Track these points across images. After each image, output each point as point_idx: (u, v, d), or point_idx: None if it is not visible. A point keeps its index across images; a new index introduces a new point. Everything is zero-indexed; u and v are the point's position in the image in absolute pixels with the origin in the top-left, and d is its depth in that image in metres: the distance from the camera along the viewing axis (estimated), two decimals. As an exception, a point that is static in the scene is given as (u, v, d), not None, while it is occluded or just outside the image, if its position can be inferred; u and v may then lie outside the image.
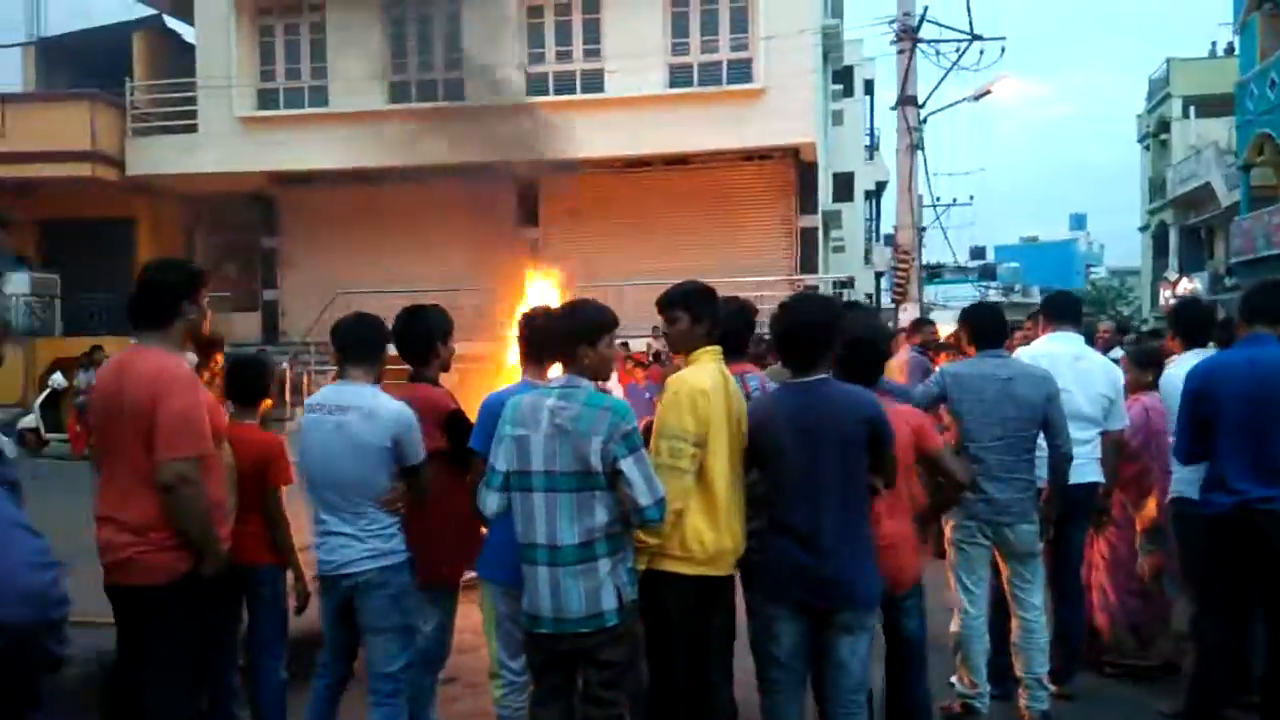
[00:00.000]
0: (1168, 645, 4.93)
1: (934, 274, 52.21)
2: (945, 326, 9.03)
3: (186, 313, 3.28)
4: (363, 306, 15.11)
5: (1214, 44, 30.45)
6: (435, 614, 3.64)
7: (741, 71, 16.80)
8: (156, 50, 19.00)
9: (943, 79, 14.50)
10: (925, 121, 15.65)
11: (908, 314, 14.87)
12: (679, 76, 17.04)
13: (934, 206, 30.17)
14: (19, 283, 17.18)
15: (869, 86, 31.72)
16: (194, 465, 3.03)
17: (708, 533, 3.21)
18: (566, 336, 3.11)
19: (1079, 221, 74.07)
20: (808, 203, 17.87)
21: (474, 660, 4.61)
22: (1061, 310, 4.81)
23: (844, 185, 30.64)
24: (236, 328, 19.23)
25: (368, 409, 3.34)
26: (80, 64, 19.10)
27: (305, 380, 17.30)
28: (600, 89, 17.10)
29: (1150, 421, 4.75)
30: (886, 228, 42.53)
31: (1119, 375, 4.71)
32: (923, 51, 14.73)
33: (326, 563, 3.41)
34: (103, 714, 3.62)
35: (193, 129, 17.99)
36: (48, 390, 14.30)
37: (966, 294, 49.69)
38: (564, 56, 17.47)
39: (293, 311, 19.41)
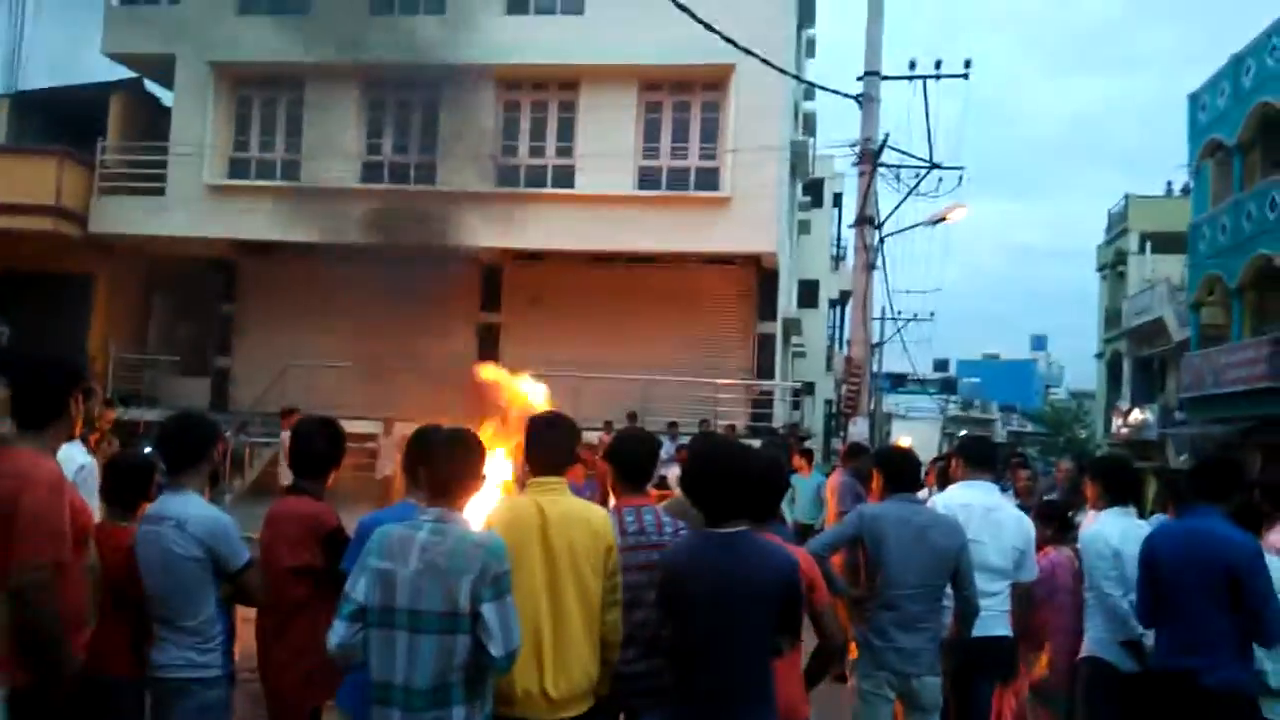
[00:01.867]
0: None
1: (898, 383, 52.94)
2: (904, 437, 9.00)
3: (69, 412, 3.18)
4: (312, 380, 14.97)
5: (1169, 184, 31.58)
6: (296, 744, 3.49)
7: (709, 179, 17.13)
8: (133, 112, 19.08)
9: (899, 205, 14.89)
10: (883, 242, 16.00)
11: (857, 426, 14.96)
12: (647, 179, 17.35)
13: (895, 319, 30.75)
14: (-36, 331, 16.86)
15: (837, 199, 32.53)
16: (50, 573, 2.90)
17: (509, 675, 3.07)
18: (455, 469, 3.01)
19: (1040, 343, 75.66)
20: (767, 310, 18.09)
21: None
22: (979, 458, 4.83)
23: (809, 292, 31.18)
24: (185, 392, 18.98)
25: (178, 519, 3.29)
26: (55, 120, 19.11)
27: (247, 453, 17.03)
28: (571, 184, 17.33)
29: (1055, 577, 4.73)
30: (849, 336, 43.09)
31: (1030, 527, 4.70)
32: (882, 175, 15.15)
33: (150, 664, 3.42)
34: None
35: (160, 192, 17.97)
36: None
37: (926, 405, 50.33)
38: (537, 151, 17.76)
39: (243, 380, 19.15)
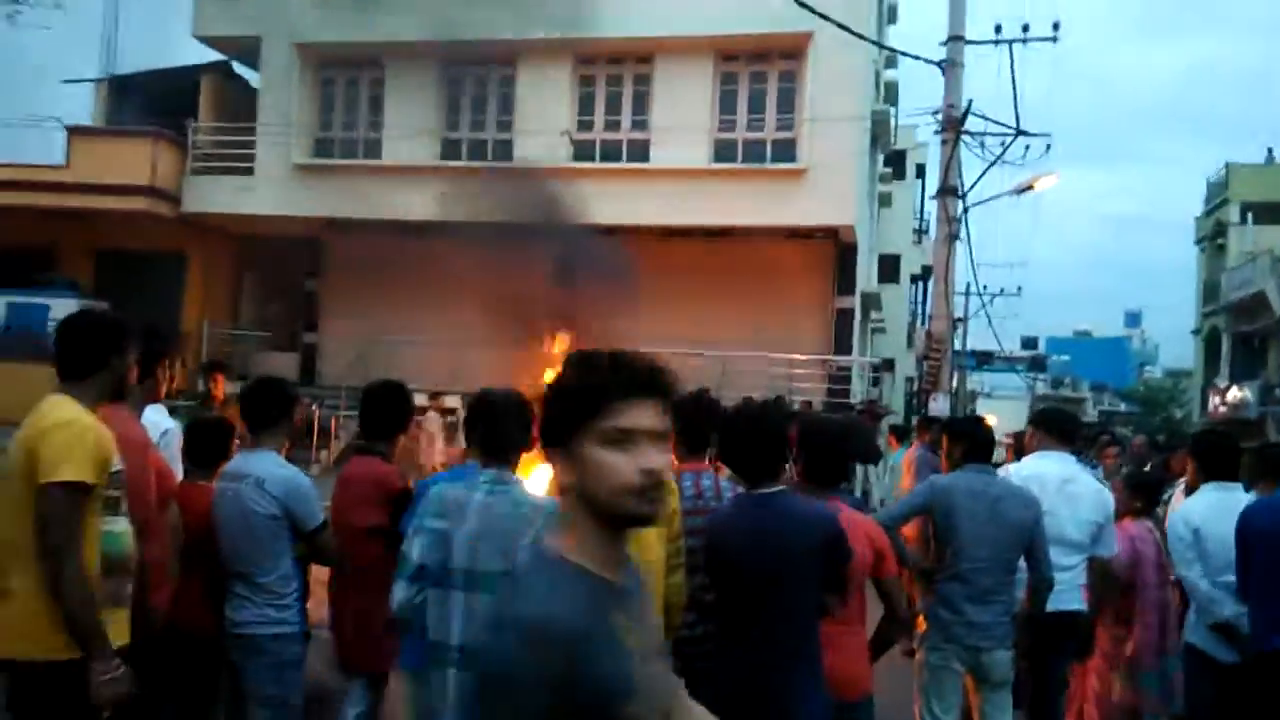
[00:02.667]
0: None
1: (984, 360, 51.72)
2: (989, 416, 8.74)
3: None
4: (396, 355, 15.30)
5: (1270, 151, 30.10)
6: (362, 699, 3.58)
7: (785, 151, 16.89)
8: (222, 94, 19.63)
9: (984, 172, 14.53)
10: (967, 213, 15.61)
11: (937, 404, 14.67)
12: (723, 152, 17.19)
13: (980, 295, 30.02)
14: (67, 309, 17.55)
15: (920, 171, 31.77)
16: (136, 531, 3.02)
17: None
18: (508, 431, 3.06)
19: (1134, 319, 73.06)
20: (845, 284, 17.81)
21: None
22: (1055, 428, 4.67)
23: (890, 267, 30.63)
24: (274, 366, 19.53)
25: (257, 477, 3.36)
26: (149, 102, 19.73)
27: (334, 424, 17.50)
28: (646, 159, 17.28)
29: (1136, 551, 4.56)
30: (931, 310, 42.26)
31: (1109, 500, 4.54)
32: (966, 144, 14.75)
33: (228, 621, 3.46)
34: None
35: (249, 171, 18.47)
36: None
37: (1013, 384, 49.08)
38: (612, 125, 17.73)
39: (330, 355, 19.65)
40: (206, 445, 3.80)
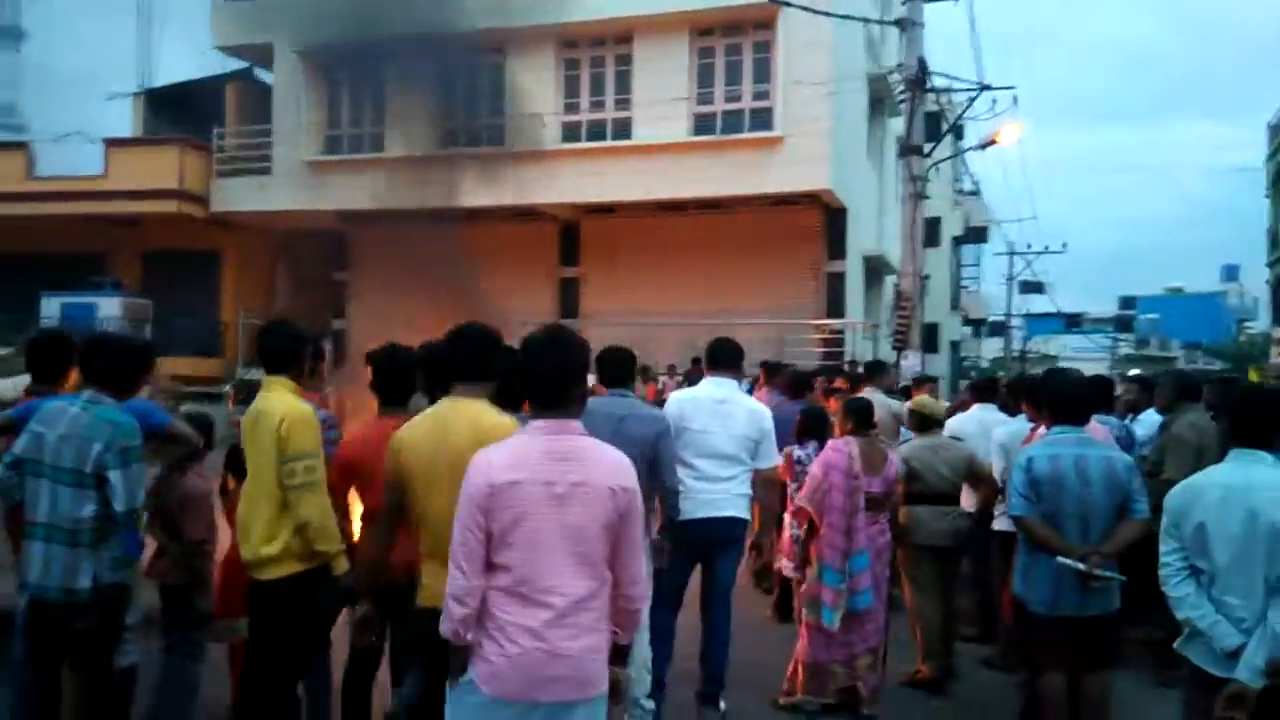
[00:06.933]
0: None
1: (1073, 323, 50.35)
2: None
3: None
4: (415, 339, 16.18)
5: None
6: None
7: (763, 120, 17.14)
8: (246, 99, 20.90)
9: (949, 129, 14.57)
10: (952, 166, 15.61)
11: (909, 361, 14.83)
12: (703, 124, 17.53)
13: (1023, 255, 29.49)
14: (111, 306, 19.15)
15: (959, 131, 31.21)
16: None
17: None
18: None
19: (1232, 273, 69.60)
20: (836, 248, 17.99)
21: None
22: (718, 357, 5.12)
23: (930, 230, 30.22)
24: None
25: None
26: (181, 111, 21.20)
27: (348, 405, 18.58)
28: (629, 136, 17.76)
29: (826, 461, 5.09)
30: (987, 272, 41.23)
31: (763, 418, 4.94)
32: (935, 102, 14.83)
33: None
34: None
35: (268, 171, 19.67)
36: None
37: (1087, 346, 47.70)
38: (597, 106, 18.25)
39: (358, 341, 20.69)
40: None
